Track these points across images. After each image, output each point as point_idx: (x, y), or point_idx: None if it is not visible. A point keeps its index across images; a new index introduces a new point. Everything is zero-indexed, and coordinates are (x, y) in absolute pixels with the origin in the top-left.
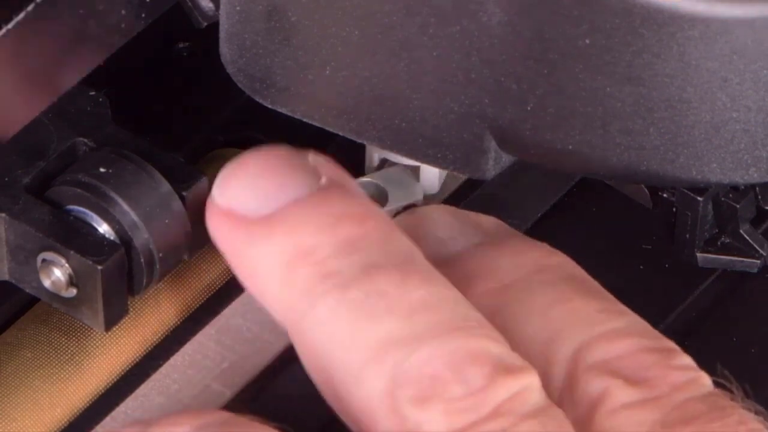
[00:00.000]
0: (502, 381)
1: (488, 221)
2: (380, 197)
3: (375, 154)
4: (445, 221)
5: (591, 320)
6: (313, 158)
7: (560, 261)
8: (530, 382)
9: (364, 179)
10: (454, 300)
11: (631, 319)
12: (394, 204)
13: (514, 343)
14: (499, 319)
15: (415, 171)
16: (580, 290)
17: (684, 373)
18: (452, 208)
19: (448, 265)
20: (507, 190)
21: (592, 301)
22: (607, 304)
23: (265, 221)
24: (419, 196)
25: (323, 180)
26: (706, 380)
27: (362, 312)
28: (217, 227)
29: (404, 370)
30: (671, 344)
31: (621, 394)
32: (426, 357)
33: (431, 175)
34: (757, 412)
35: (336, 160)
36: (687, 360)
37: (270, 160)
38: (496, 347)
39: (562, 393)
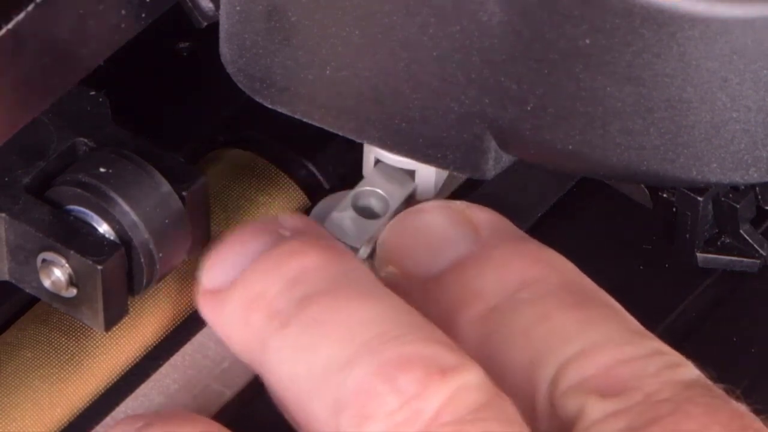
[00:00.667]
0: (437, 385)
1: (482, 217)
2: (382, 205)
3: (372, 155)
4: (437, 224)
5: (568, 337)
6: (282, 216)
7: (543, 271)
8: (467, 380)
9: (365, 188)
10: (392, 310)
11: (610, 325)
12: (394, 204)
13: (501, 368)
14: (488, 345)
15: (410, 175)
16: (562, 302)
17: (658, 376)
18: (447, 206)
19: (436, 286)
20: (507, 190)
21: (571, 313)
22: (587, 310)
23: (231, 284)
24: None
25: (286, 233)
26: (686, 374)
27: (302, 345)
28: (202, 308)
29: (343, 392)
30: (649, 343)
31: (596, 409)
32: (361, 374)
33: (427, 179)
34: (756, 411)
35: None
36: (665, 358)
37: (241, 234)
38: (430, 349)
39: (546, 418)
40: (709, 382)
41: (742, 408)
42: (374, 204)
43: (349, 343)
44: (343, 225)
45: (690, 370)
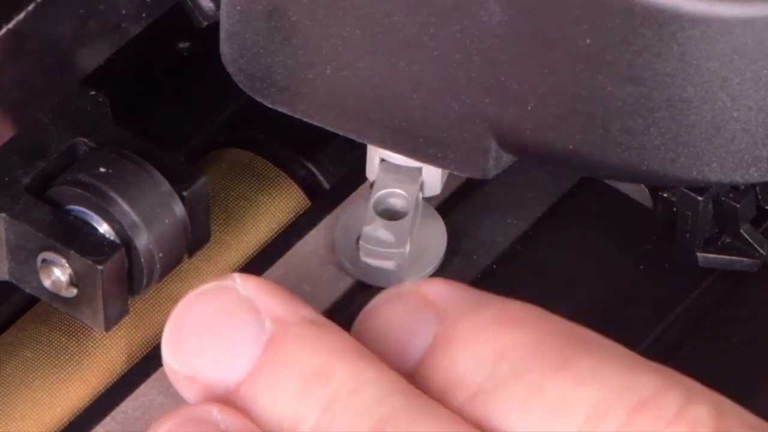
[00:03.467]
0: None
1: (436, 292)
2: (403, 202)
3: (377, 156)
4: (396, 318)
5: (568, 407)
6: (243, 286)
7: (512, 334)
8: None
9: (382, 192)
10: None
11: (602, 377)
12: (413, 197)
13: None
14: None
15: (418, 171)
16: (549, 368)
17: (677, 418)
18: (399, 294)
19: (417, 381)
20: (507, 190)
21: (560, 378)
22: (574, 368)
23: (234, 395)
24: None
25: (267, 324)
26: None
27: None
28: (185, 391)
29: None
30: (646, 380)
31: None
32: None
33: (434, 176)
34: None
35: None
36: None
37: (205, 311)
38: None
39: None
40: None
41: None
42: (395, 203)
43: None
44: (379, 236)
45: (705, 395)
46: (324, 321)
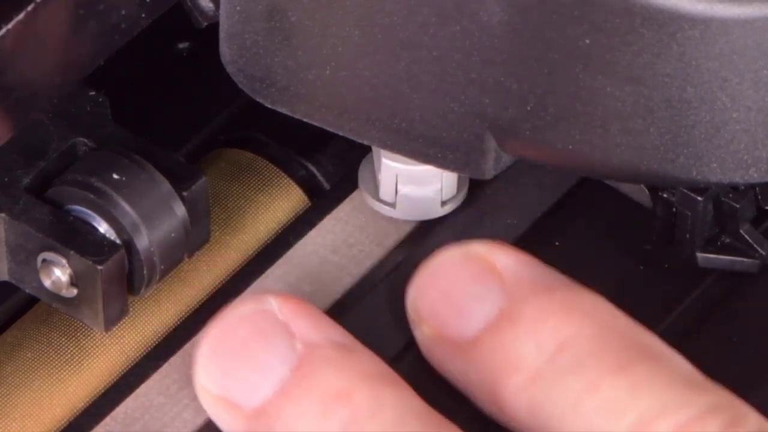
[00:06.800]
0: None
1: (505, 262)
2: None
3: (384, 158)
4: (461, 280)
5: (621, 409)
6: (281, 309)
7: (578, 324)
8: None
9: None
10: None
11: (659, 385)
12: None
13: None
14: (539, 418)
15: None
16: (605, 366)
17: None
18: (467, 254)
19: (474, 351)
20: (507, 190)
21: (618, 379)
22: (633, 372)
23: (261, 414)
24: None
25: (298, 347)
26: (748, 427)
27: None
28: (214, 411)
29: None
30: (704, 398)
31: None
32: None
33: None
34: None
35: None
36: (724, 415)
37: (242, 335)
38: None
39: None
40: None
41: None
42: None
43: None
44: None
45: (751, 422)
46: (353, 344)
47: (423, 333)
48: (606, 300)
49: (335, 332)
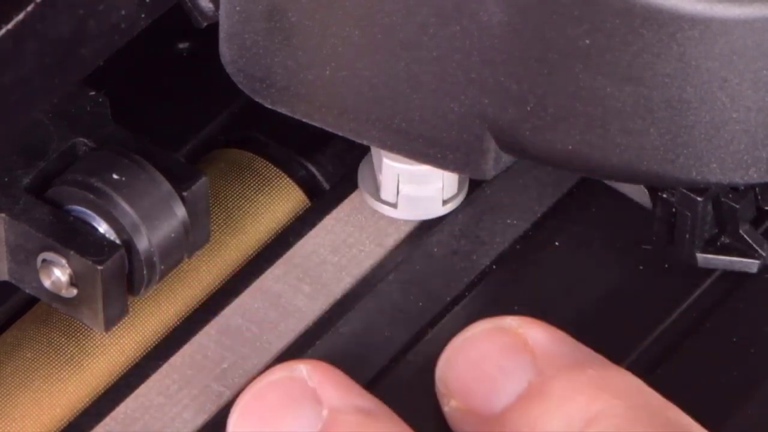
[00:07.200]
0: None
1: (537, 338)
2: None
3: (385, 158)
4: (493, 354)
5: None
6: (310, 376)
7: (607, 402)
8: None
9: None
10: None
11: None
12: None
13: None
14: None
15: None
16: None
17: None
18: (499, 329)
19: (502, 425)
20: (507, 190)
21: None
22: None
23: None
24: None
25: (324, 413)
26: None
27: None
28: None
29: None
30: None
31: None
32: None
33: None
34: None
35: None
36: None
37: (272, 400)
38: None
39: None
40: None
41: None
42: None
43: None
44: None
45: None
46: (378, 410)
47: (451, 407)
48: (636, 377)
49: (361, 398)
